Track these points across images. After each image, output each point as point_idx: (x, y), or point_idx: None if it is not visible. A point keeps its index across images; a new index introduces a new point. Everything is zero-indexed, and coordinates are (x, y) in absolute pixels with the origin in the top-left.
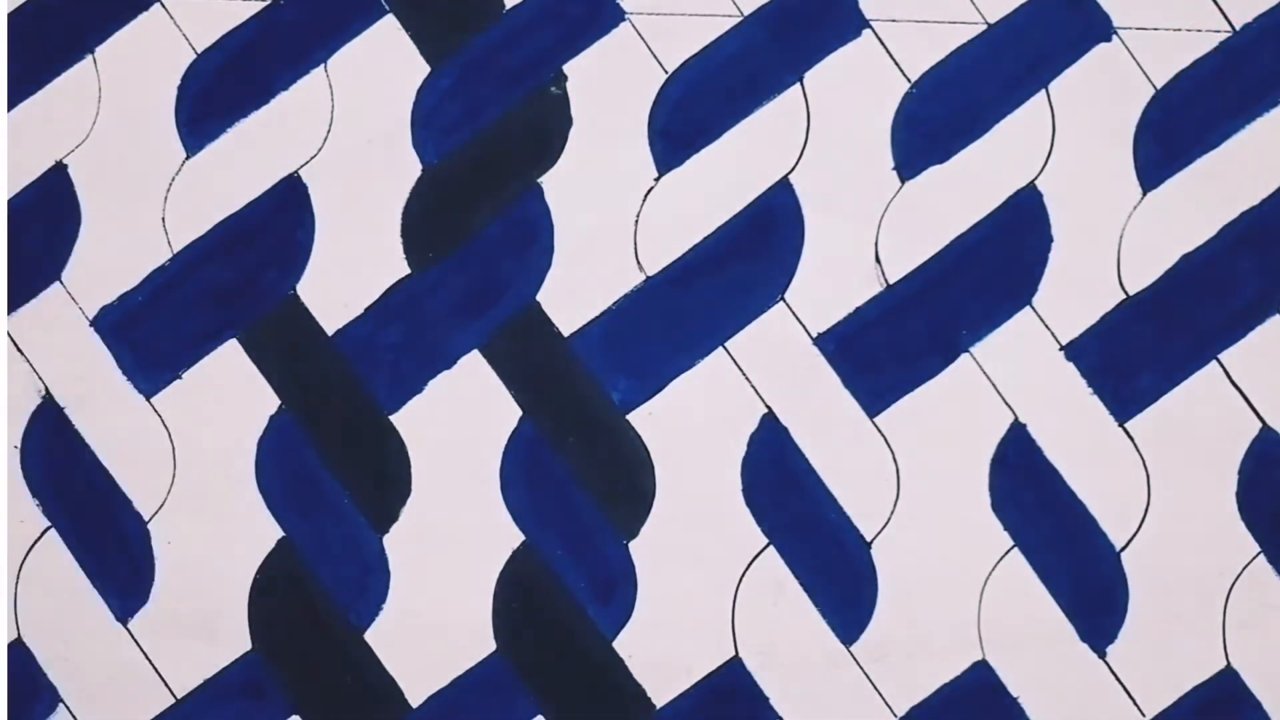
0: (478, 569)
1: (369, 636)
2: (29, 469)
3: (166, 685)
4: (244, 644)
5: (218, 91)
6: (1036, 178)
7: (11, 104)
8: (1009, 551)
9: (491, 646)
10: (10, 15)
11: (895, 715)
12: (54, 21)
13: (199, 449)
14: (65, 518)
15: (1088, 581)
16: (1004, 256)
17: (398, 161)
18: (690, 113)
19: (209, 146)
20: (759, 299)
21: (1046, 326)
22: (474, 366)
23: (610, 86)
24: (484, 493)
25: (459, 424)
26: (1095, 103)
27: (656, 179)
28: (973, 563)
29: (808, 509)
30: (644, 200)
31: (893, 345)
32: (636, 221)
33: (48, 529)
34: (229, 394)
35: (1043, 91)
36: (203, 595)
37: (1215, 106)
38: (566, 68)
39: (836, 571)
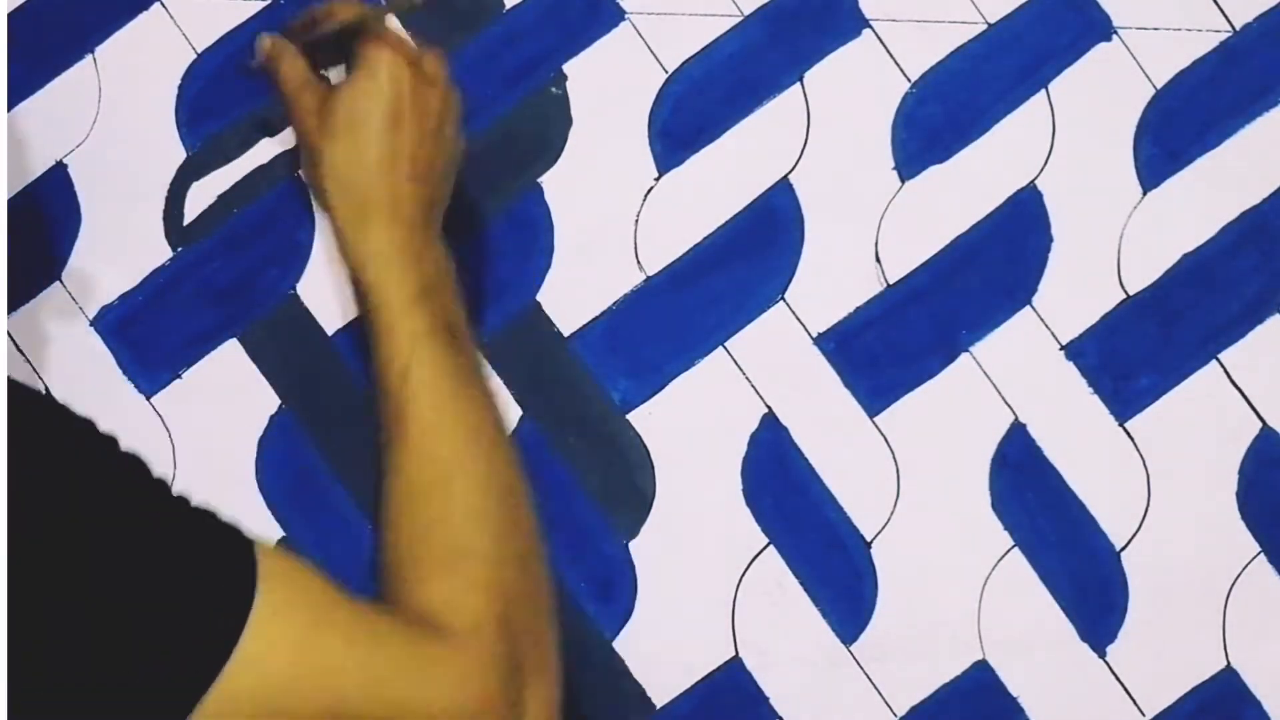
0: None
1: None
2: None
3: None
4: None
5: (218, 91)
6: (1036, 178)
7: (11, 104)
8: (1009, 551)
9: None
10: (10, 15)
11: (895, 715)
12: (54, 21)
13: (199, 449)
14: None
15: (1088, 581)
16: (1004, 256)
17: None
18: (690, 113)
19: (209, 146)
20: (759, 299)
21: (1046, 326)
22: None
23: (610, 86)
24: None
25: None
26: (1095, 103)
27: (656, 179)
28: (973, 563)
29: (808, 509)
30: (644, 200)
31: (893, 345)
32: (636, 221)
33: None
34: (229, 394)
35: (1043, 91)
36: None
37: (1215, 106)
38: (566, 68)
39: (836, 571)
